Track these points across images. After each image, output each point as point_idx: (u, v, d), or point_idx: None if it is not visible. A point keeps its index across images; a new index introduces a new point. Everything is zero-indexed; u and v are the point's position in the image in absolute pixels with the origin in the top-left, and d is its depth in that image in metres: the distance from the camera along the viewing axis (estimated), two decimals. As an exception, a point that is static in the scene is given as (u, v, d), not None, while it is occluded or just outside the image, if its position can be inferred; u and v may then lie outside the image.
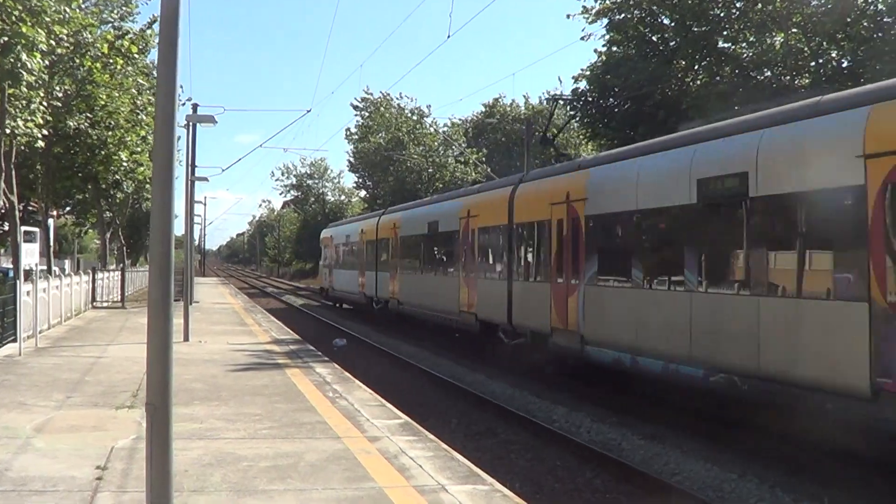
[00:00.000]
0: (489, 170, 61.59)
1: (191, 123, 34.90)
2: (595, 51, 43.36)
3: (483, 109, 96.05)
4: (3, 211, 37.78)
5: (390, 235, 42.32)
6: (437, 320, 33.96)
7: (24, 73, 25.21)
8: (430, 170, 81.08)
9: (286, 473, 10.58)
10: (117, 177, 47.24)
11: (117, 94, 39.73)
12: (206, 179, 49.31)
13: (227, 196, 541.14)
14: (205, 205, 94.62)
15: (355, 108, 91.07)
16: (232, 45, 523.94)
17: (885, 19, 33.27)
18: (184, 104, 42.03)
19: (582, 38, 42.25)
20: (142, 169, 46.15)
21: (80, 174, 44.57)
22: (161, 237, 7.27)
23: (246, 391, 17.19)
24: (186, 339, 26.68)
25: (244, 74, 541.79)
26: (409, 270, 39.07)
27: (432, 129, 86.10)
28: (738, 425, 16.75)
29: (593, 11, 40.63)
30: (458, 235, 31.91)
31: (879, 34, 33.16)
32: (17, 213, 32.74)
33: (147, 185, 49.44)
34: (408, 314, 38.92)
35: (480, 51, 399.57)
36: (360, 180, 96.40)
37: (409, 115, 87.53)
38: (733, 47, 39.34)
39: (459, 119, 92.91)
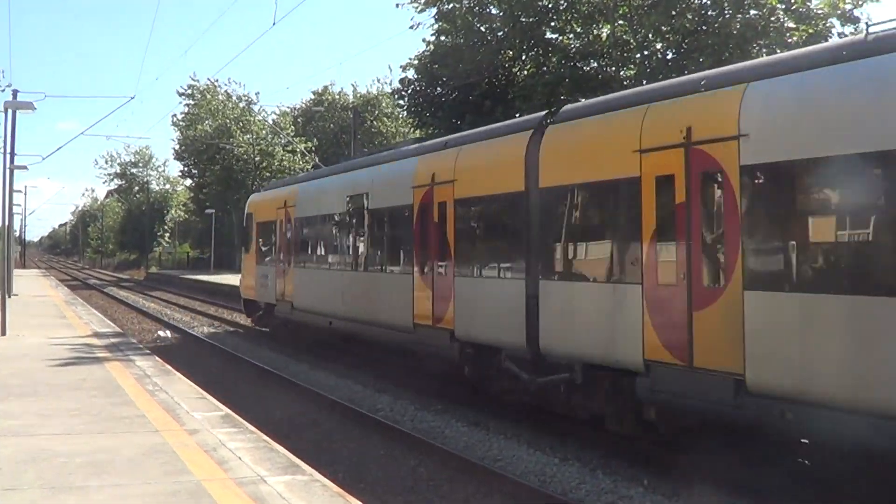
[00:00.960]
0: (317, 159, 61.21)
1: (9, 110, 33.95)
2: (423, 40, 43.67)
3: (312, 97, 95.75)
4: None
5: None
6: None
7: None
8: (257, 158, 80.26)
9: (103, 469, 10.41)
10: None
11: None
12: (25, 168, 47.35)
13: (49, 185, 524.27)
14: (25, 194, 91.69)
15: (181, 94, 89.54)
16: (53, 29, 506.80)
17: (709, 13, 34.40)
18: (3, 90, 40.71)
19: (411, 27, 42.51)
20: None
21: None
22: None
23: (64, 386, 16.75)
24: (3, 332, 25.87)
25: (66, 60, 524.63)
26: None
27: (260, 117, 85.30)
28: (557, 412, 17.11)
29: (422, 0, 40.84)
30: None
31: (703, 27, 34.29)
32: None
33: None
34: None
35: (308, 38, 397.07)
36: (186, 169, 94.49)
37: (237, 102, 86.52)
38: (560, 38, 40.05)
39: (288, 107, 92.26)
